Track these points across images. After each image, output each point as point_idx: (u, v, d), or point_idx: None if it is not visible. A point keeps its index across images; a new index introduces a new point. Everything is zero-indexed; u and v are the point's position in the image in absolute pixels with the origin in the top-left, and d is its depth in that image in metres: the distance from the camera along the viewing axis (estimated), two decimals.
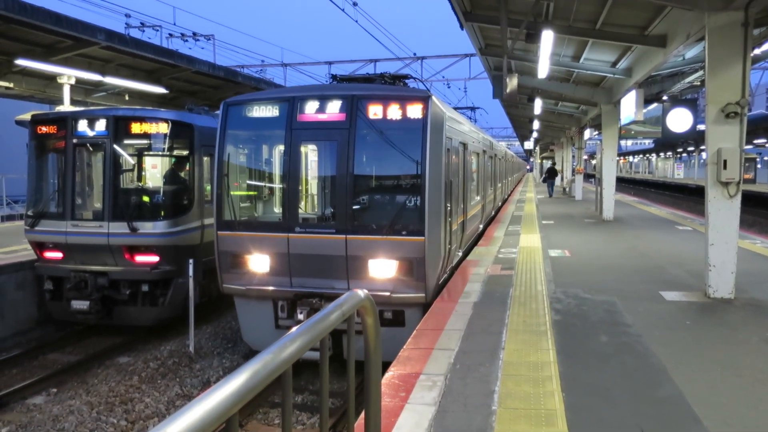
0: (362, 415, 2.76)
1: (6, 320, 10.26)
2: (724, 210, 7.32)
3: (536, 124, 31.33)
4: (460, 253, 10.63)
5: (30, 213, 10.57)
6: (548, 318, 6.62)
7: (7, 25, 11.04)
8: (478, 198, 13.76)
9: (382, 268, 7.77)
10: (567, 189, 33.35)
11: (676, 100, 14.47)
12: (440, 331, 6.15)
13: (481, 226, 14.86)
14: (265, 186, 9.20)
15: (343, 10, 17.79)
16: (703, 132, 7.86)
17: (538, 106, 20.61)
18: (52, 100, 16.59)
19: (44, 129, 10.51)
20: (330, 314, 2.14)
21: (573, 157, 35.85)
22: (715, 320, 6.64)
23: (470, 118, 19.49)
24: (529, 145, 53.42)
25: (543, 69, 13.07)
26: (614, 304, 7.24)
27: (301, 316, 7.82)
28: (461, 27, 11.74)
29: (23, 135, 11.18)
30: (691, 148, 57.93)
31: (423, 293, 7.74)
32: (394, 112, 7.76)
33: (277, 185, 8.75)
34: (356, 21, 19.76)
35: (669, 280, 8.68)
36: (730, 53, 7.10)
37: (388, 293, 7.67)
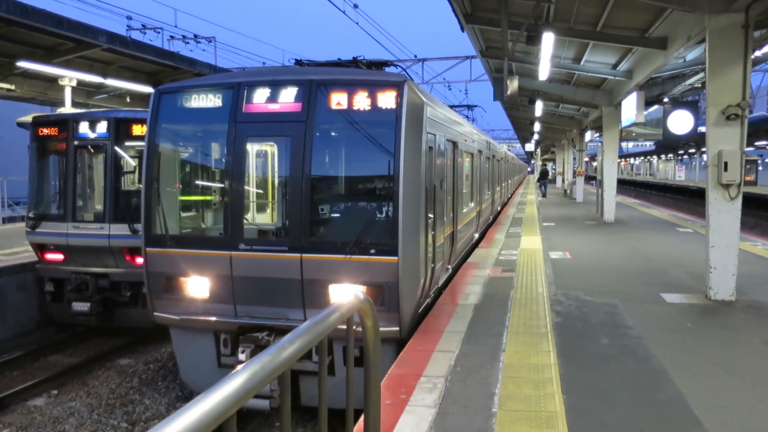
0: (362, 417, 2.76)
1: (7, 322, 10.26)
2: (725, 212, 7.31)
3: (537, 126, 31.40)
4: (450, 269, 9.36)
5: (31, 215, 10.57)
6: (549, 320, 6.62)
7: (8, 27, 11.05)
8: (473, 204, 12.45)
9: (346, 295, 6.58)
10: (568, 191, 33.39)
11: (677, 102, 14.50)
12: (441, 333, 6.15)
13: (477, 235, 13.65)
14: (203, 193, 7.71)
15: (344, 12, 17.78)
16: (703, 134, 7.86)
17: (538, 108, 20.65)
18: (53, 102, 16.63)
19: (45, 131, 10.52)
20: (329, 316, 2.14)
21: (574, 159, 36.02)
22: (715, 322, 6.64)
23: (468, 118, 19.19)
24: (530, 147, 53.56)
25: (544, 71, 13.09)
26: (615, 306, 7.24)
27: (242, 356, 6.50)
28: (462, 29, 11.75)
29: (24, 137, 11.19)
30: (692, 150, 57.90)
31: (396, 326, 6.31)
32: (361, 101, 6.36)
33: (219, 192, 7.24)
34: (357, 23, 19.77)
35: (670, 282, 8.67)
36: (730, 55, 7.11)
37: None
